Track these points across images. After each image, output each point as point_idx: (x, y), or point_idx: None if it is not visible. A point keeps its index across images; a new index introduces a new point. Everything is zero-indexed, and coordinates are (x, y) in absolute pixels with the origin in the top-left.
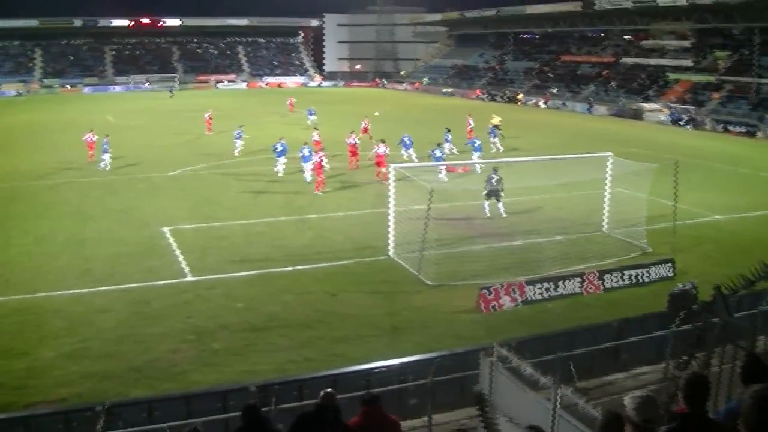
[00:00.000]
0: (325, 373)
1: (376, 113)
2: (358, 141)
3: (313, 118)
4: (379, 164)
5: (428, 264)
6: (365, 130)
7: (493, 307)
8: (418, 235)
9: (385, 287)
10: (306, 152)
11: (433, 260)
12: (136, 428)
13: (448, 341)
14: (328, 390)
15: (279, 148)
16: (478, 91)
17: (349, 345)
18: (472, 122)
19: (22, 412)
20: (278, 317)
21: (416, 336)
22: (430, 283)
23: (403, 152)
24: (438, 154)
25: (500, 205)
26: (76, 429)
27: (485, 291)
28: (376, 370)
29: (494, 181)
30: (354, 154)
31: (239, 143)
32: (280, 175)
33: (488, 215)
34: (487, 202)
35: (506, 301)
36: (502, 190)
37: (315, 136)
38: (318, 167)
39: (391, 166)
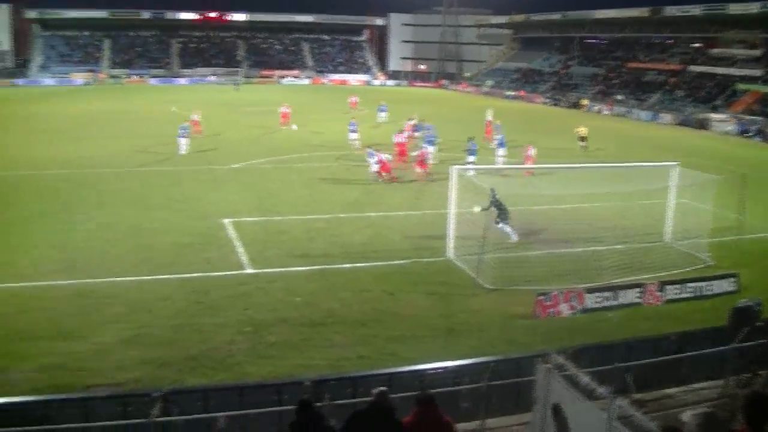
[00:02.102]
0: (380, 371)
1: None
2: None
3: (383, 115)
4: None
5: (486, 267)
6: (409, 129)
7: (551, 313)
8: (477, 237)
9: (442, 288)
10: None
11: (491, 264)
12: (191, 416)
13: (504, 346)
14: (382, 388)
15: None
16: (516, 92)
17: (404, 344)
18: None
19: (80, 394)
20: (335, 313)
21: (471, 339)
22: (487, 286)
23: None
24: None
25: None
26: (132, 413)
27: (543, 297)
28: (430, 370)
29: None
30: (402, 153)
31: (354, 135)
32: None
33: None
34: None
35: (564, 309)
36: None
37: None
38: (420, 162)
39: (454, 167)
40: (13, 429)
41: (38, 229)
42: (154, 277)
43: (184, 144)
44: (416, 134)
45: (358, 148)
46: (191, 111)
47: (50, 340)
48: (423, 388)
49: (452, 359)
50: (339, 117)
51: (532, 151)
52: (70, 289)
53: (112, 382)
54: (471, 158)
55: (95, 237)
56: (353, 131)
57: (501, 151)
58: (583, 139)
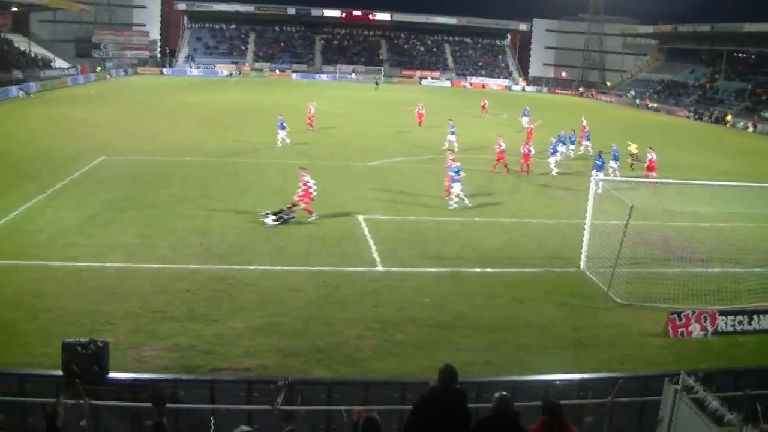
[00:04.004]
0: (506, 378)
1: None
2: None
3: (526, 119)
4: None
5: (619, 281)
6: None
7: (682, 333)
8: (611, 250)
9: (573, 300)
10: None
11: (624, 278)
12: (314, 407)
13: (632, 363)
14: (504, 393)
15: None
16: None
17: (532, 354)
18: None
19: (208, 376)
20: (464, 317)
21: (600, 353)
22: (619, 301)
23: (613, 163)
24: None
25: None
26: (257, 399)
27: (675, 316)
28: (557, 381)
29: None
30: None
31: (452, 137)
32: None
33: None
34: None
35: (696, 329)
36: None
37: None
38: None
39: (593, 178)
40: (142, 404)
41: (179, 213)
42: (287, 267)
43: (281, 136)
44: (586, 142)
45: (450, 150)
46: (313, 103)
47: (183, 321)
48: (547, 397)
49: (579, 372)
50: (477, 120)
51: (653, 155)
52: (206, 274)
53: (239, 367)
54: (598, 173)
55: (232, 224)
56: (452, 133)
57: (614, 164)
58: (633, 156)
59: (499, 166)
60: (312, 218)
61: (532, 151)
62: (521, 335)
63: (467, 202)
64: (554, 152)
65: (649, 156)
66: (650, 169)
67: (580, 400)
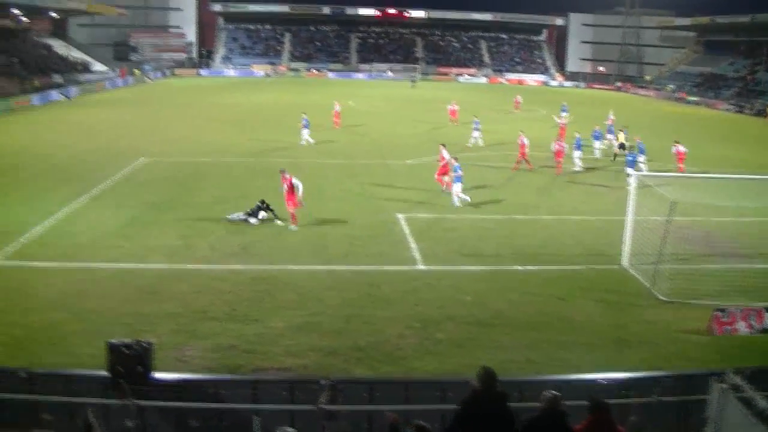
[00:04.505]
0: (548, 377)
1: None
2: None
3: (565, 115)
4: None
5: (662, 278)
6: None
7: (726, 330)
8: (653, 247)
9: (614, 297)
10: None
11: (667, 275)
12: (356, 406)
13: (676, 361)
14: (555, 392)
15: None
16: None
17: (573, 352)
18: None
19: (251, 375)
20: (504, 315)
21: (642, 351)
22: (662, 298)
23: (640, 157)
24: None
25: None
26: (298, 398)
27: (720, 313)
28: (599, 380)
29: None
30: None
31: (476, 134)
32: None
33: None
34: None
35: (741, 327)
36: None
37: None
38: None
39: (633, 173)
40: (185, 404)
41: (218, 214)
42: (327, 267)
43: (305, 135)
44: (608, 135)
45: (479, 146)
46: (338, 102)
47: (224, 321)
48: (592, 396)
49: (621, 370)
50: (509, 117)
51: (681, 147)
52: (246, 274)
53: (280, 367)
54: (629, 169)
55: (271, 224)
56: (476, 129)
57: (641, 158)
58: (622, 146)
59: (521, 163)
60: (291, 227)
61: (565, 149)
62: (562, 333)
63: (467, 198)
64: (578, 147)
65: (674, 149)
66: (679, 161)
67: (624, 399)
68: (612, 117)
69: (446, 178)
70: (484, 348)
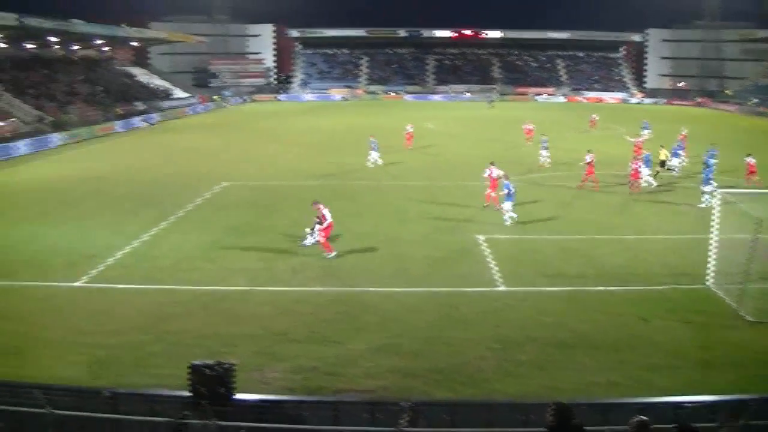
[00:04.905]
0: (632, 400)
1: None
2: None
3: (646, 132)
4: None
5: (749, 298)
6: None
7: None
8: (739, 265)
9: (700, 318)
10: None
11: (755, 294)
12: (437, 429)
13: (764, 384)
14: (643, 417)
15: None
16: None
17: (657, 374)
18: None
19: (331, 397)
20: (586, 336)
21: (729, 374)
22: (750, 318)
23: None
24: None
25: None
26: (380, 421)
27: None
28: (686, 403)
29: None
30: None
31: (545, 153)
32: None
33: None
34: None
35: None
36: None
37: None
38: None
39: (718, 190)
40: (266, 425)
41: (298, 237)
42: (407, 289)
43: (373, 157)
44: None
45: (546, 165)
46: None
47: (305, 343)
48: (677, 421)
49: (707, 394)
50: (584, 136)
51: (751, 160)
52: (327, 296)
53: (361, 388)
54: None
55: (352, 247)
56: (545, 148)
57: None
58: (663, 163)
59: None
60: (329, 255)
61: (641, 168)
62: (646, 355)
63: (515, 215)
64: (647, 164)
65: (747, 161)
66: (750, 174)
67: (710, 423)
68: (684, 133)
69: (494, 194)
70: (566, 370)
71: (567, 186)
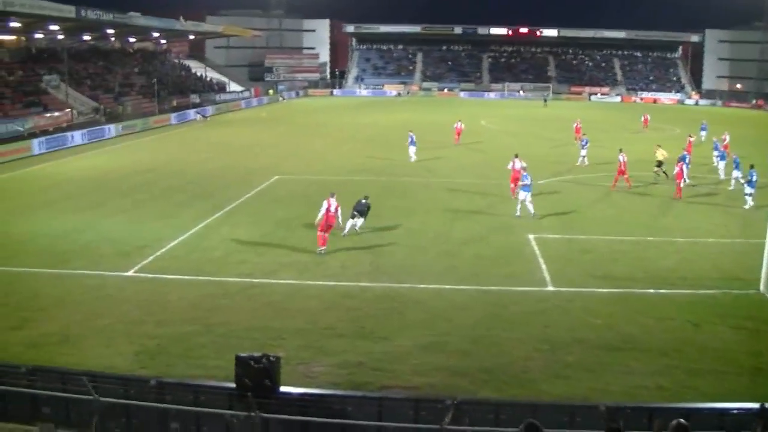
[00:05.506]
0: (678, 405)
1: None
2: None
3: (704, 133)
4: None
5: None
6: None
7: None
8: None
9: (751, 324)
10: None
11: None
12: (481, 428)
13: None
14: (682, 421)
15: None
16: None
17: (705, 379)
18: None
19: (376, 393)
20: (635, 339)
21: None
22: None
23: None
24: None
25: (358, 222)
26: (424, 418)
27: None
28: (733, 410)
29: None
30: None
31: (583, 152)
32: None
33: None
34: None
35: None
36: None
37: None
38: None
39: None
40: (312, 419)
41: (349, 232)
42: (456, 286)
43: (412, 152)
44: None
45: (585, 165)
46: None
47: (352, 338)
48: (722, 427)
49: (756, 401)
50: (635, 136)
51: None
52: (375, 292)
53: (407, 385)
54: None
55: (402, 243)
56: (584, 147)
57: (735, 174)
58: (660, 164)
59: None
60: (319, 249)
61: (685, 171)
62: (694, 360)
63: (532, 210)
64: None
65: None
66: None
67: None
68: (726, 137)
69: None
70: (613, 373)
71: (620, 186)
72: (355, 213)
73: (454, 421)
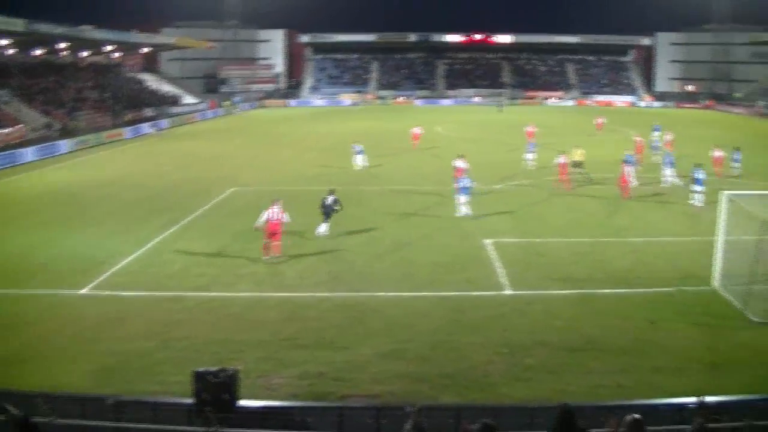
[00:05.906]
0: (636, 401)
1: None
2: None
3: (657, 134)
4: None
5: (756, 300)
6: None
7: None
8: (746, 267)
9: (707, 320)
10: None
11: (762, 295)
12: None
13: None
14: (637, 416)
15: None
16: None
17: (665, 376)
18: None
19: (336, 402)
20: (595, 340)
21: (737, 375)
22: (756, 319)
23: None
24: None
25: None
26: (385, 426)
27: None
28: (690, 405)
29: (329, 200)
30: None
31: (530, 156)
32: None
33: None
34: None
35: None
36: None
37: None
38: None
39: (725, 193)
40: None
41: (306, 242)
42: (414, 293)
43: (359, 160)
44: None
45: (531, 169)
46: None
47: (312, 349)
48: (683, 422)
49: (716, 395)
50: (590, 140)
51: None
52: (334, 302)
53: (367, 394)
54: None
55: (360, 251)
56: (531, 152)
57: (668, 171)
58: (577, 165)
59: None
60: (264, 258)
61: (630, 173)
62: (654, 357)
63: (469, 212)
64: (671, 164)
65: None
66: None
67: (716, 423)
68: (669, 138)
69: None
70: (574, 373)
71: (577, 189)
72: (324, 214)
73: (415, 427)
